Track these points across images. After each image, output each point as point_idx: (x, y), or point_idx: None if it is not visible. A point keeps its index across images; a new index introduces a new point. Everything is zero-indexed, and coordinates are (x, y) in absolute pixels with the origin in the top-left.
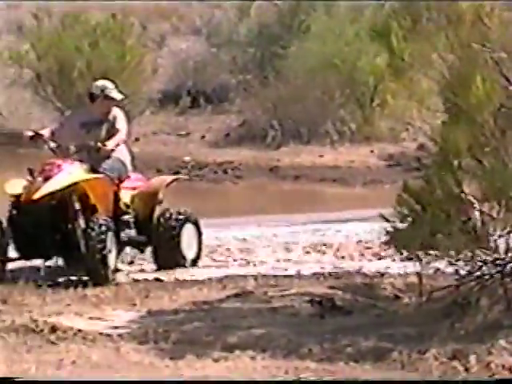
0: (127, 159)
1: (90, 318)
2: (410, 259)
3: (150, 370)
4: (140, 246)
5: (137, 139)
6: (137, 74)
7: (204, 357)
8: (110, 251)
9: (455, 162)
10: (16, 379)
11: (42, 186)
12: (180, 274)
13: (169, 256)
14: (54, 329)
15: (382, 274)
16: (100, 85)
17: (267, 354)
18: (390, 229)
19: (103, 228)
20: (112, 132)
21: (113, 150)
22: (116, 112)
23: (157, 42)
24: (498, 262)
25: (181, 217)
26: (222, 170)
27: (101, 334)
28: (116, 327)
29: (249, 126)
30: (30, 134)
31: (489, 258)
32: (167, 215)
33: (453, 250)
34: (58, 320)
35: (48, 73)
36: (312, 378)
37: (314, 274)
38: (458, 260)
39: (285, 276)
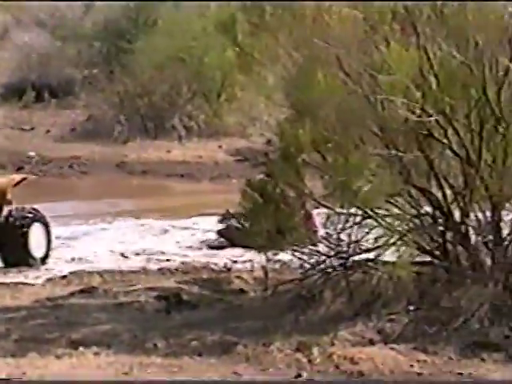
0: None
1: None
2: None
3: None
4: None
5: None
6: None
7: (47, 354)
8: None
9: (297, 157)
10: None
11: None
12: (24, 271)
13: (16, 255)
14: None
15: (229, 269)
16: None
17: (112, 350)
18: (235, 224)
19: None
20: None
21: None
22: None
23: None
24: (341, 255)
25: (29, 216)
26: (67, 165)
27: None
28: None
29: (95, 121)
30: None
31: (332, 252)
32: (15, 214)
33: (297, 243)
34: None
35: None
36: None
37: (161, 268)
38: (302, 253)
39: (131, 271)
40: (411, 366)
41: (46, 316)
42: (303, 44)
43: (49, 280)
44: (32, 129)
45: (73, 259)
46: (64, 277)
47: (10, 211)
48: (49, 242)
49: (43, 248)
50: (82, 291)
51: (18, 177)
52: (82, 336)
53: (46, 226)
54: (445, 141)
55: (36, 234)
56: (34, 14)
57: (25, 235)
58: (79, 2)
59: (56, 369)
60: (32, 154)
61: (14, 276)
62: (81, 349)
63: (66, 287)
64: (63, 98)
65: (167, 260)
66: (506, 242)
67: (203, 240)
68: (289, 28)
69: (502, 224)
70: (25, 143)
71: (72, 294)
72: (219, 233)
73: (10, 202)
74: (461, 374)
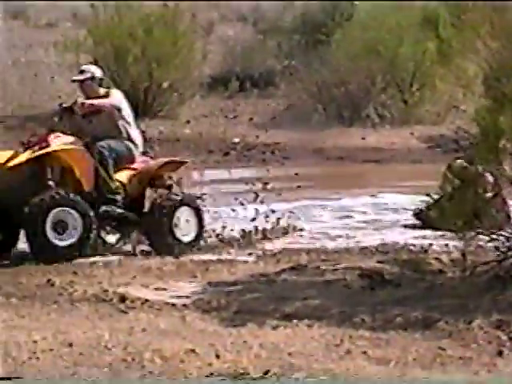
0: (136, 141)
1: (156, 289)
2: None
3: (214, 338)
4: (130, 227)
5: (188, 121)
6: (188, 59)
7: (264, 325)
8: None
9: (497, 144)
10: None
11: (20, 155)
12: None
13: (160, 238)
14: (123, 298)
15: (426, 250)
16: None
17: (323, 323)
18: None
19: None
20: None
21: (92, 106)
22: (112, 91)
23: (206, 29)
24: None
25: (174, 199)
26: (269, 151)
27: (166, 303)
28: (180, 297)
29: (294, 110)
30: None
31: None
32: (161, 197)
33: (493, 227)
34: (126, 290)
35: (104, 58)
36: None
37: (362, 248)
38: (499, 236)
39: (335, 251)
40: None
41: (261, 290)
42: (503, 36)
43: (260, 257)
44: (236, 117)
45: (278, 237)
46: (274, 254)
47: (158, 195)
48: (200, 227)
49: (192, 233)
50: (292, 268)
51: (164, 159)
52: (295, 309)
53: (197, 210)
54: None
55: (183, 218)
56: (237, 10)
57: (168, 219)
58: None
59: (273, 338)
60: (236, 140)
61: (227, 254)
62: (294, 321)
63: (277, 264)
64: (264, 88)
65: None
66: None
67: (399, 220)
68: (489, 20)
69: None
70: (230, 130)
71: (283, 271)
72: (415, 214)
73: (164, 185)
74: None
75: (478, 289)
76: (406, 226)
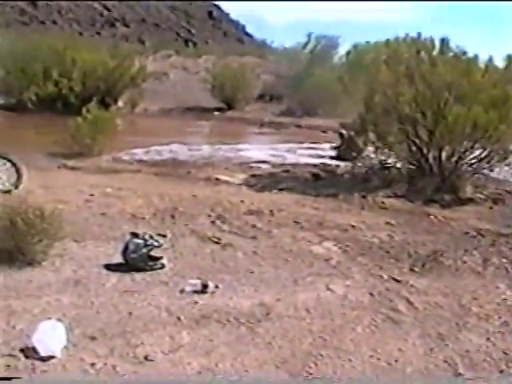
0: None
1: None
2: None
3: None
4: None
5: None
6: None
7: (272, 191)
8: None
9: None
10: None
11: None
12: None
13: None
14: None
15: (338, 165)
16: None
17: (295, 193)
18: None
19: None
20: None
21: None
22: None
23: None
24: None
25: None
26: None
27: None
28: None
29: None
30: None
31: None
32: None
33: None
34: None
35: None
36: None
37: (304, 164)
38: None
39: (293, 164)
40: None
41: (261, 182)
42: None
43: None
44: None
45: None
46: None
47: None
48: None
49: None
50: (272, 173)
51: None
52: (284, 187)
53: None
54: None
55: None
56: None
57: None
58: None
59: (274, 197)
60: None
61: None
62: (284, 192)
63: (262, 174)
64: None
65: None
66: None
67: (324, 155)
68: None
69: None
70: None
71: (269, 174)
72: (335, 152)
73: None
74: None
75: (356, 182)
76: (331, 158)
